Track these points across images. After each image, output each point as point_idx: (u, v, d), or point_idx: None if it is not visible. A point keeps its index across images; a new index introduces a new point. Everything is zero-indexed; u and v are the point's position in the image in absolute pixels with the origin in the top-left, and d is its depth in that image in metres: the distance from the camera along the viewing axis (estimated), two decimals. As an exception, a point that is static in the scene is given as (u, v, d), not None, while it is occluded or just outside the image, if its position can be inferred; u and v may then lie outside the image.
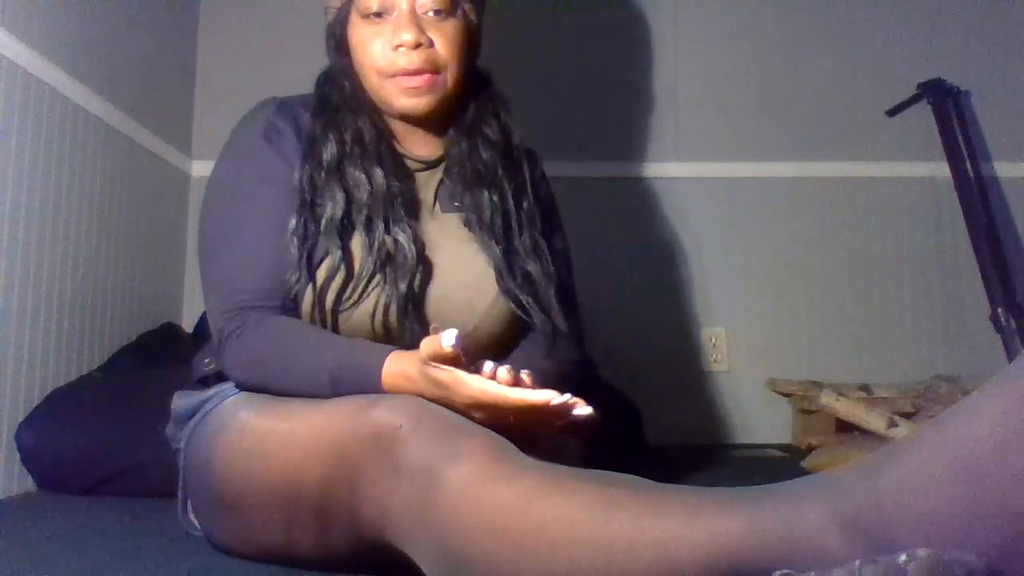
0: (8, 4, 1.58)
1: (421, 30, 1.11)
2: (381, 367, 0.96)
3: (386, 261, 1.08)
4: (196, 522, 1.11)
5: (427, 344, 0.90)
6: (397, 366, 0.96)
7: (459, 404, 0.90)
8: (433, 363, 0.90)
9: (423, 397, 0.92)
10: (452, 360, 0.89)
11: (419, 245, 1.11)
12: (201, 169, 2.44)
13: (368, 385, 0.96)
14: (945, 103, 2.48)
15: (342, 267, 1.07)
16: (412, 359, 0.94)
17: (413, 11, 1.12)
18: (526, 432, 0.89)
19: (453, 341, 0.87)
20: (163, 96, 2.32)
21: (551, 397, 0.87)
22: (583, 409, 0.88)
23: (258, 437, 0.97)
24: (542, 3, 2.61)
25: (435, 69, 1.13)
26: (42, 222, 1.68)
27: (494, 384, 0.88)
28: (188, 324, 2.32)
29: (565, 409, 0.88)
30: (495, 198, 1.16)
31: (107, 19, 1.98)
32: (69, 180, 1.79)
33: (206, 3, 2.58)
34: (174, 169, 2.37)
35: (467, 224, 1.16)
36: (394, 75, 1.12)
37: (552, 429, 0.92)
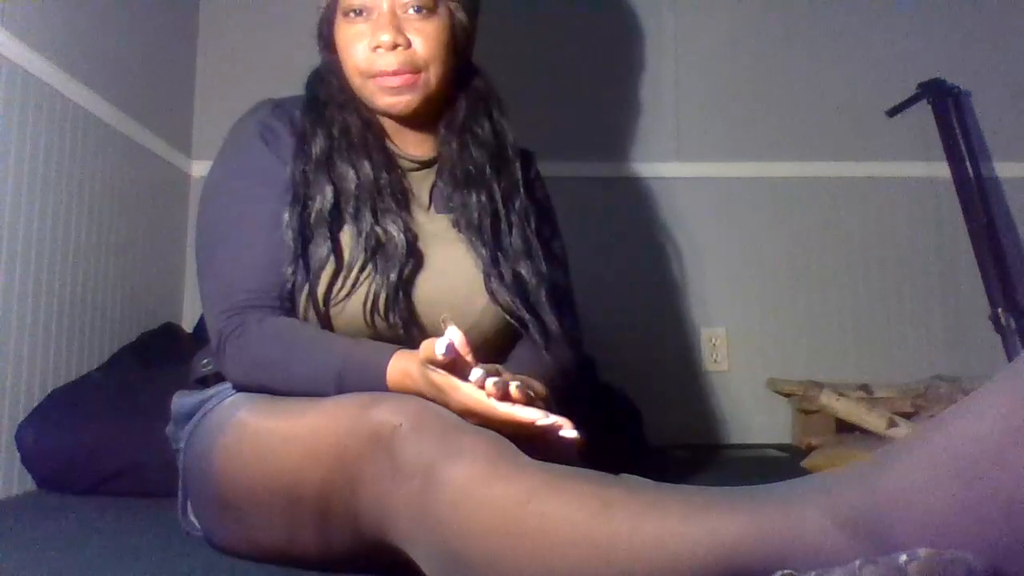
0: (8, 4, 1.58)
1: (399, 30, 1.11)
2: (387, 365, 0.96)
3: (376, 250, 1.08)
4: (196, 522, 1.11)
5: (425, 347, 0.90)
6: (401, 364, 0.96)
7: (452, 409, 0.89)
8: (431, 366, 0.90)
9: (424, 396, 0.92)
10: (446, 367, 0.88)
11: (410, 235, 1.10)
12: (201, 169, 2.44)
13: (374, 384, 0.96)
14: (945, 103, 2.48)
15: (332, 260, 1.07)
16: (414, 358, 0.94)
17: (393, 11, 1.12)
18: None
19: (444, 351, 0.86)
20: (163, 96, 2.32)
21: (537, 418, 0.86)
22: (569, 432, 0.87)
23: (258, 437, 0.97)
24: (542, 2, 2.61)
25: (415, 69, 1.12)
26: (42, 222, 1.68)
27: (484, 395, 0.87)
28: (188, 324, 2.32)
29: (551, 430, 0.86)
30: (483, 199, 1.16)
31: (107, 19, 1.98)
32: (69, 180, 1.79)
33: (206, 3, 2.58)
34: (174, 169, 2.37)
35: (455, 225, 1.16)
36: (374, 76, 1.13)
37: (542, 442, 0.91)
